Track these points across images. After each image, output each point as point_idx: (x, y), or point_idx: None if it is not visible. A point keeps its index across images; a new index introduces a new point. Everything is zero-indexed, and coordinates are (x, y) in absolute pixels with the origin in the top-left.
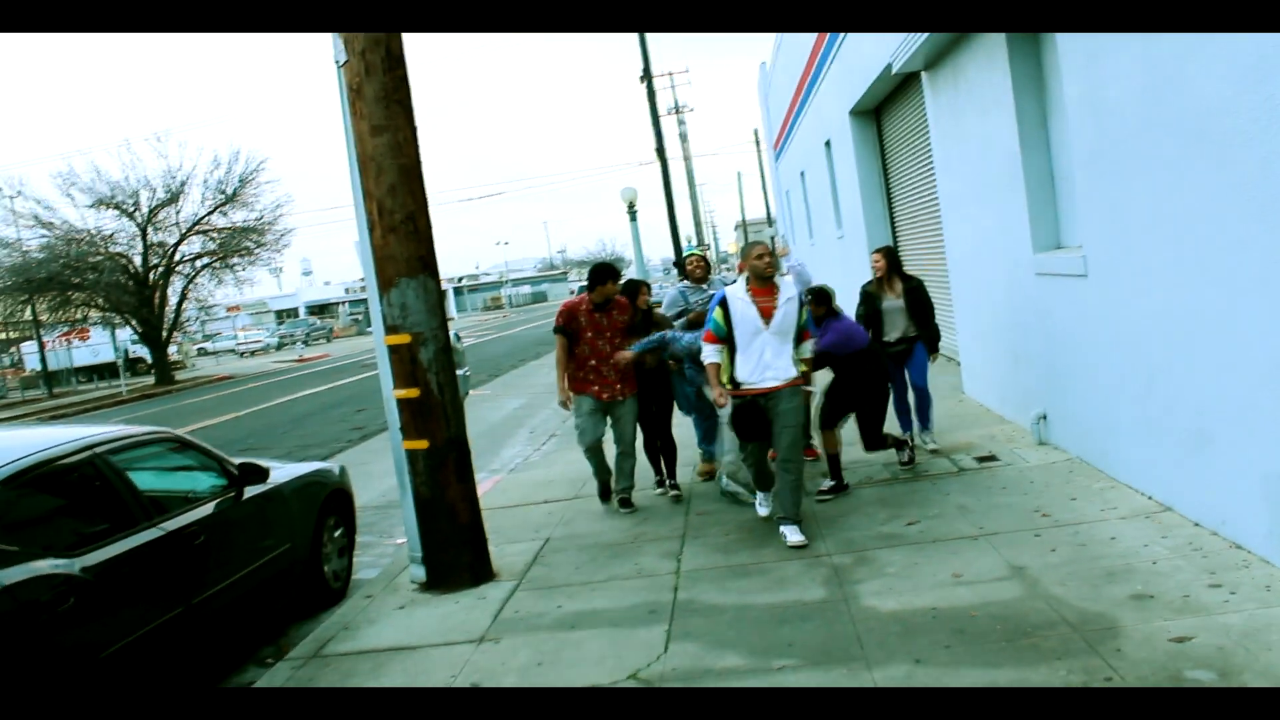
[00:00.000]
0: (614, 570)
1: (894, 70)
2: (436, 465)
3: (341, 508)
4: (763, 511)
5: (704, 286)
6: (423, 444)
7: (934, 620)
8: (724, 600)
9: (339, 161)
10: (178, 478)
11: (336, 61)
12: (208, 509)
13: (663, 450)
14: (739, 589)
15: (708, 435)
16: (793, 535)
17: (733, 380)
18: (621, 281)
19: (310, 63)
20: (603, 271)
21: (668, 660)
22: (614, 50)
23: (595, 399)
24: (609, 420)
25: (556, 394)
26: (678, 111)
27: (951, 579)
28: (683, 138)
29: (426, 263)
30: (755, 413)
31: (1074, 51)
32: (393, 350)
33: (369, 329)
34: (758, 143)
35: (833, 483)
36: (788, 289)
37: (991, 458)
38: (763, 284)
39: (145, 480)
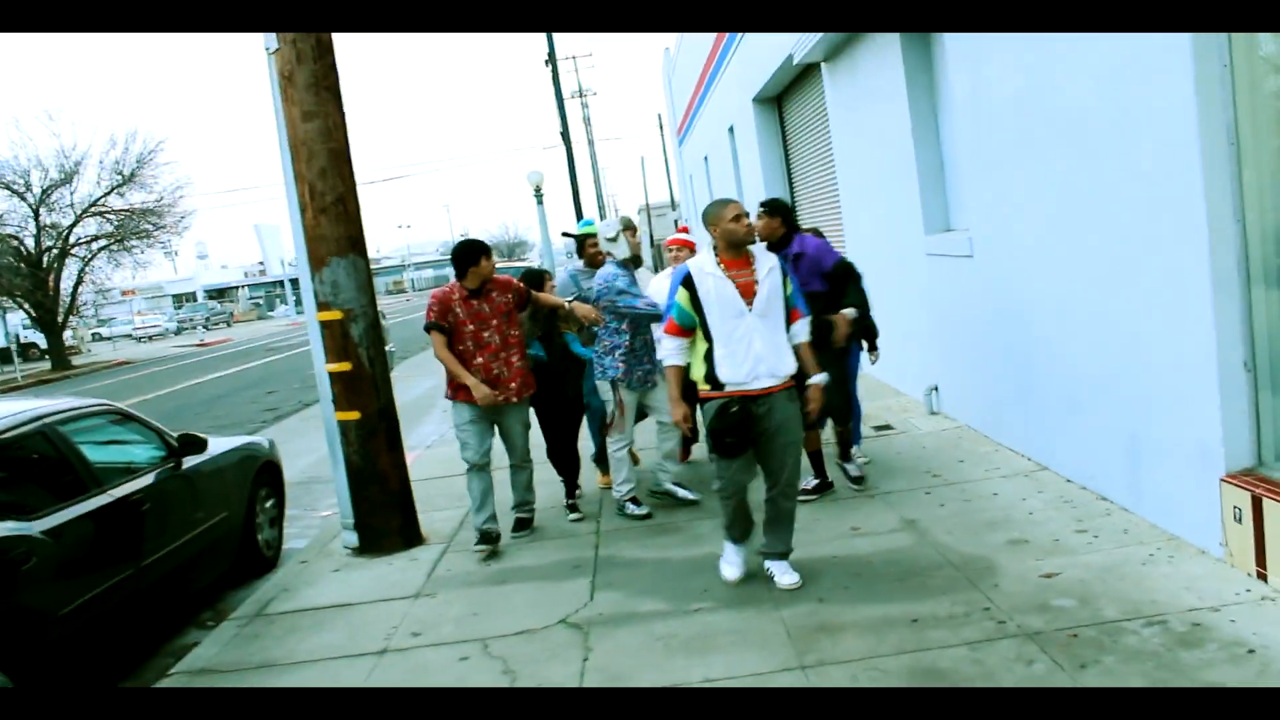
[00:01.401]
0: (537, 533)
1: (795, 61)
2: (367, 435)
3: (272, 480)
4: (732, 572)
5: (603, 272)
6: (354, 415)
7: (834, 566)
8: (643, 555)
9: (235, 144)
10: (122, 448)
11: (267, 49)
12: (150, 478)
13: (566, 463)
14: (657, 545)
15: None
16: (786, 576)
17: (711, 380)
18: (507, 265)
19: (208, 44)
20: (470, 250)
21: (594, 607)
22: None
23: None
24: (496, 430)
25: (468, 389)
26: (581, 95)
27: (850, 532)
28: (586, 121)
29: (356, 242)
30: (748, 418)
31: (959, 54)
32: (324, 326)
33: (270, 313)
34: (661, 127)
35: (817, 480)
36: (766, 257)
37: (887, 427)
38: (737, 254)
39: (92, 450)
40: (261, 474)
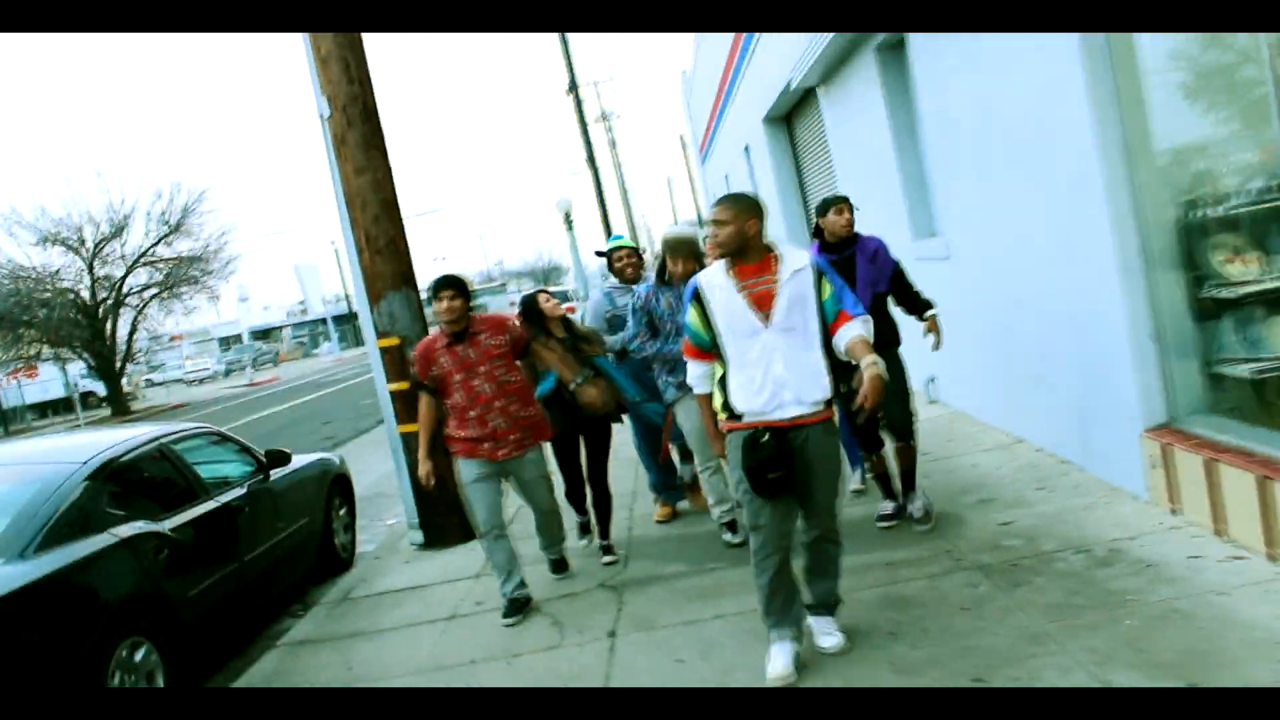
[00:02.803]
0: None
1: (793, 86)
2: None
3: (344, 491)
4: (776, 669)
5: (636, 288)
6: (414, 428)
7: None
8: (670, 533)
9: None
10: (220, 464)
11: (321, 115)
12: (245, 488)
13: (595, 503)
14: (682, 523)
15: (664, 476)
16: (829, 637)
17: (727, 409)
18: (511, 295)
19: (244, 92)
20: (434, 286)
21: (628, 572)
22: (539, 62)
23: (486, 460)
24: (509, 486)
25: (465, 441)
26: (605, 119)
27: (850, 498)
28: (612, 144)
29: (407, 278)
30: (777, 448)
31: (925, 76)
32: (384, 352)
33: (314, 351)
34: (684, 147)
35: (895, 504)
36: (792, 257)
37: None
38: (751, 261)
39: (198, 465)
40: (335, 485)
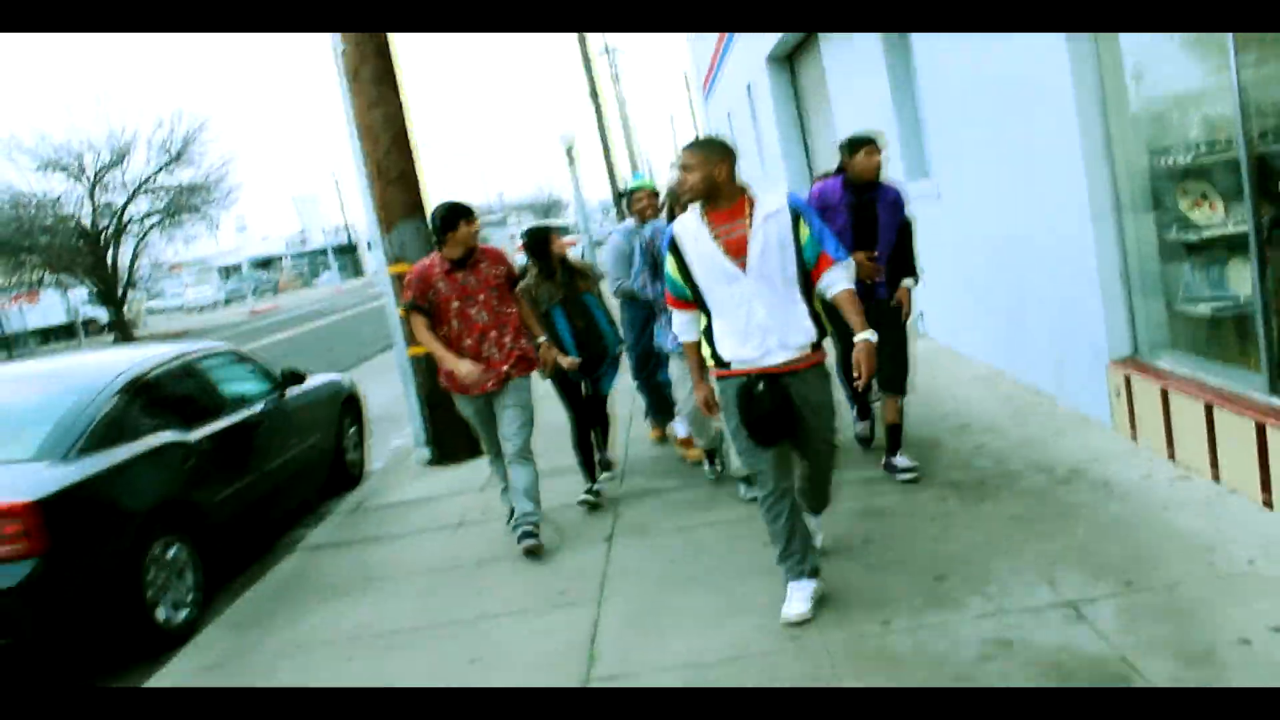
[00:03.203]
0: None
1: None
2: (434, 365)
3: (355, 411)
4: (794, 609)
5: (644, 228)
6: (423, 350)
7: None
8: (664, 452)
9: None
10: (240, 381)
11: (335, 49)
12: (263, 404)
13: (599, 420)
14: (669, 448)
15: (657, 401)
16: (799, 602)
17: (716, 358)
18: (523, 228)
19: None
20: (450, 213)
21: (624, 487)
22: None
23: (478, 394)
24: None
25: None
26: (609, 53)
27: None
28: (615, 79)
29: (418, 207)
30: (773, 397)
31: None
32: (395, 278)
33: (314, 282)
34: (688, 84)
35: (914, 462)
36: (766, 201)
37: None
38: (724, 205)
39: (220, 381)
40: (346, 405)
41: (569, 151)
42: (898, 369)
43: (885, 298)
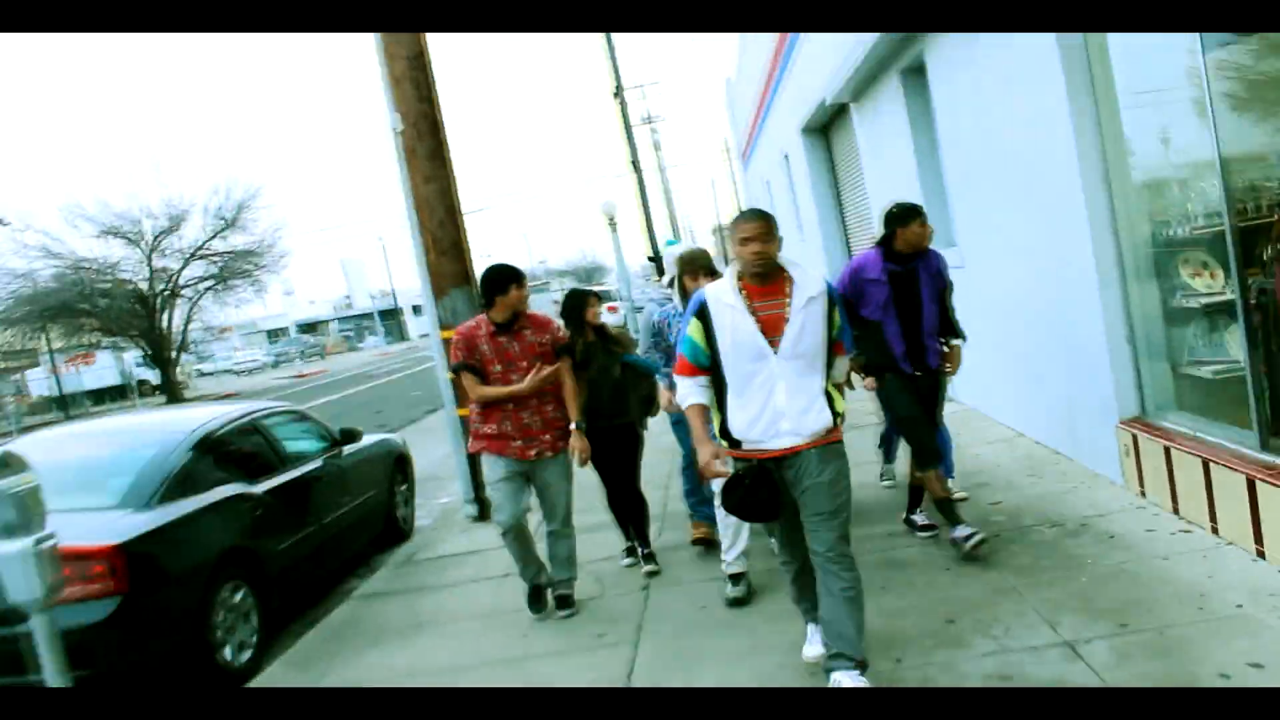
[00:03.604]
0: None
1: (827, 103)
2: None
3: (405, 469)
4: (812, 651)
5: (649, 306)
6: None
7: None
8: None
9: (318, 187)
10: (301, 438)
11: (394, 129)
12: (321, 461)
13: (630, 510)
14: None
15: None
16: (817, 645)
17: (724, 434)
18: (554, 293)
19: (295, 93)
20: (500, 276)
21: (659, 540)
22: (585, 65)
23: (515, 459)
24: (532, 488)
25: (497, 437)
26: (650, 122)
27: (857, 486)
28: (656, 146)
29: (468, 276)
30: (761, 489)
31: (941, 98)
32: (446, 343)
33: (359, 345)
34: (728, 151)
35: (973, 530)
36: (807, 282)
37: None
38: (762, 280)
39: (283, 438)
40: (397, 463)
41: (610, 220)
42: (932, 439)
43: (936, 367)
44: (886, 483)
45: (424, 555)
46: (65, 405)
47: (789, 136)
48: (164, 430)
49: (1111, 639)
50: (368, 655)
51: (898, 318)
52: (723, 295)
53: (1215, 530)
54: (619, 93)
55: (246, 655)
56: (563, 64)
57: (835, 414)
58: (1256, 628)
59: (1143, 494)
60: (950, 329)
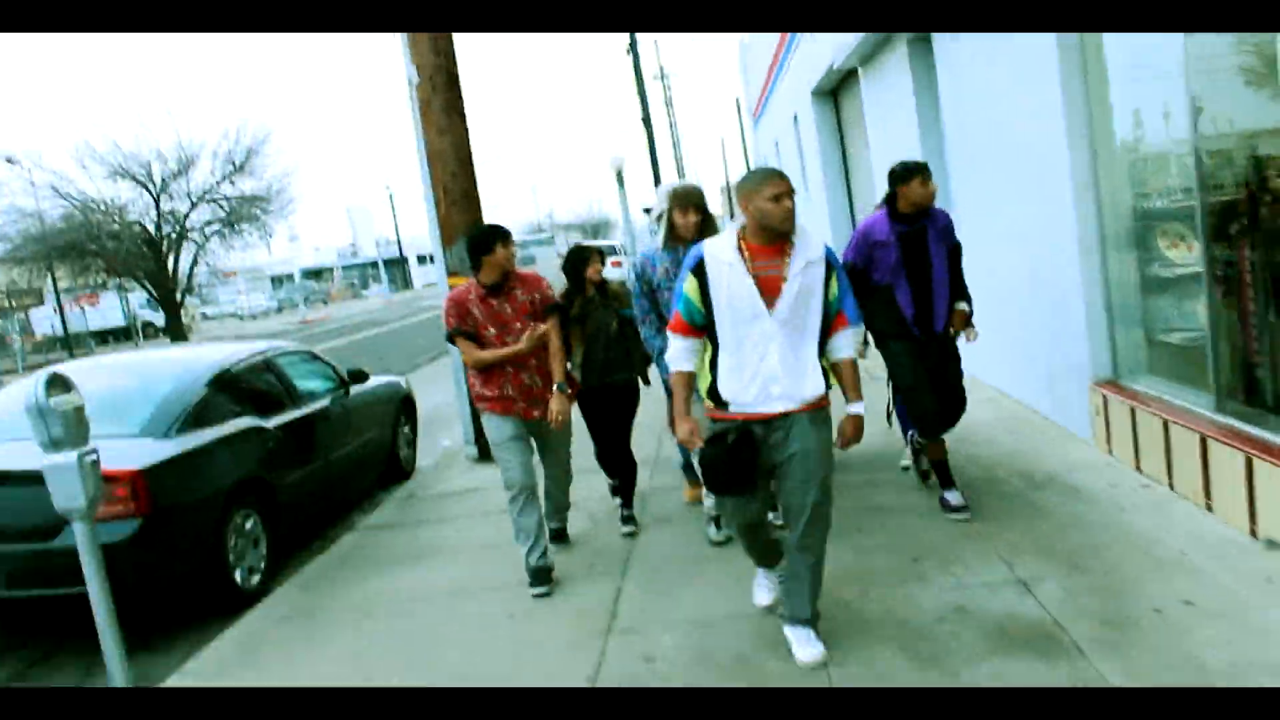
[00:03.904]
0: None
1: (835, 67)
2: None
3: (409, 411)
4: (763, 597)
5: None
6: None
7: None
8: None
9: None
10: (311, 377)
11: (410, 82)
12: (330, 399)
13: (619, 470)
14: None
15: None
16: (807, 647)
17: (714, 395)
18: (561, 250)
19: (307, 45)
20: (485, 237)
21: (652, 482)
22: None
23: (522, 419)
24: (535, 446)
25: (500, 399)
26: (663, 78)
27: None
28: (668, 103)
29: (478, 224)
30: (744, 450)
31: (945, 68)
32: (453, 288)
33: (364, 292)
34: (739, 111)
35: (965, 504)
36: (807, 246)
37: None
38: (769, 239)
39: (295, 376)
40: (403, 405)
41: (619, 174)
42: (955, 407)
43: (943, 330)
44: (904, 464)
45: (426, 492)
46: (69, 345)
47: (799, 98)
48: (183, 365)
49: (1061, 579)
50: (374, 579)
51: (908, 280)
52: (722, 253)
53: (1172, 486)
54: (633, 47)
55: (256, 579)
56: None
57: (828, 384)
58: (1194, 571)
59: (1110, 452)
60: (959, 293)
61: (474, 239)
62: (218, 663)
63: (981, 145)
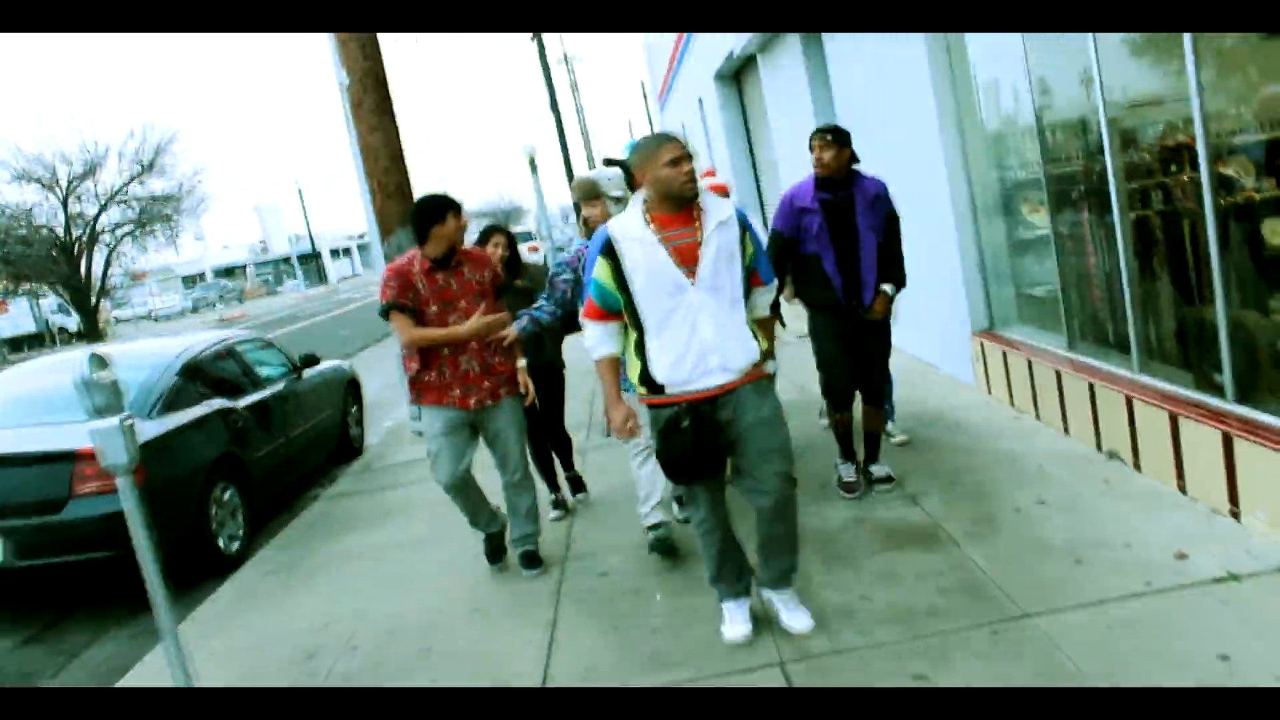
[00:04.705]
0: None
1: (734, 54)
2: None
3: (355, 392)
4: (736, 630)
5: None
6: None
7: None
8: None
9: (227, 134)
10: (269, 363)
11: (341, 84)
12: (285, 383)
13: (555, 445)
14: None
15: None
16: (795, 614)
17: (646, 381)
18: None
19: (204, 46)
20: (435, 205)
21: (590, 458)
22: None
23: (458, 409)
24: (479, 439)
25: (436, 389)
26: (567, 63)
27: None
28: (574, 87)
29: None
30: (704, 432)
31: (834, 55)
32: None
33: (278, 289)
34: (645, 95)
35: (854, 466)
36: (717, 208)
37: (805, 336)
38: (675, 207)
39: (255, 362)
40: (349, 386)
41: (531, 161)
42: (882, 376)
43: (870, 304)
44: (898, 439)
45: (381, 463)
46: None
47: (703, 82)
48: (154, 355)
49: (941, 491)
50: (346, 537)
51: (833, 247)
52: (629, 229)
53: (1038, 416)
54: (538, 35)
55: (236, 545)
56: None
57: (759, 345)
58: (1048, 479)
59: (989, 392)
60: (888, 270)
61: (424, 207)
62: (221, 609)
63: (868, 127)
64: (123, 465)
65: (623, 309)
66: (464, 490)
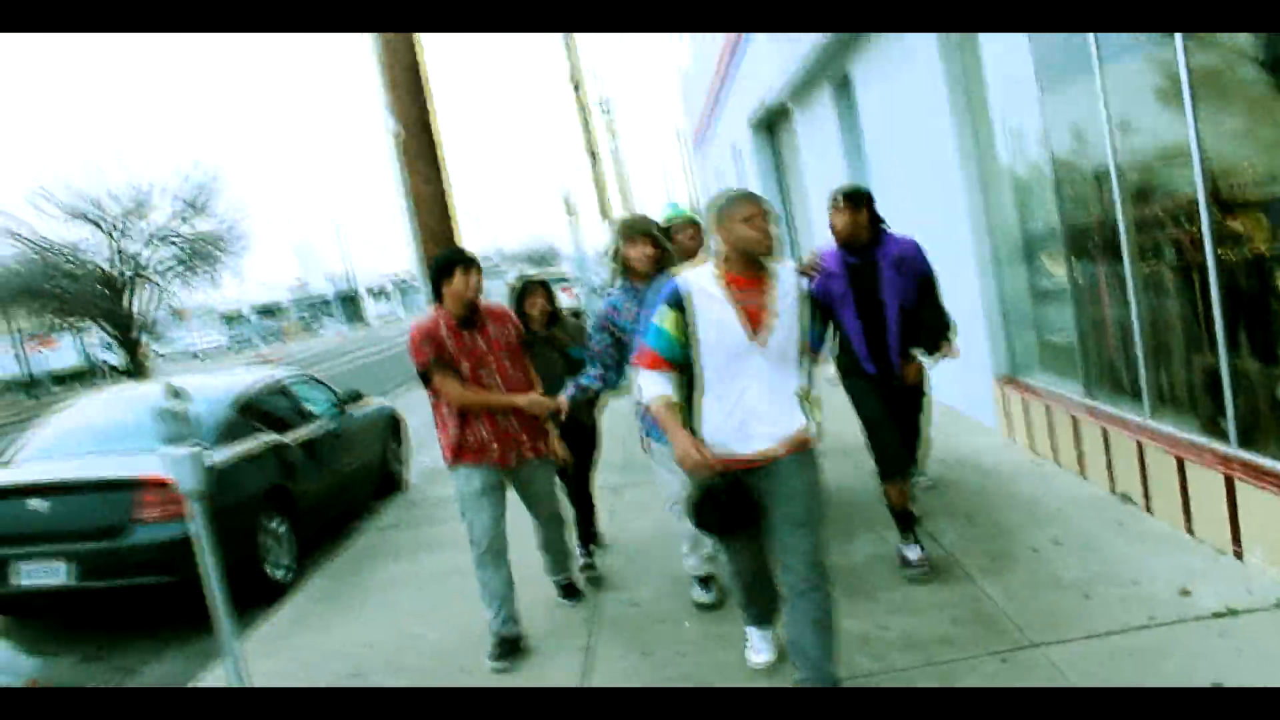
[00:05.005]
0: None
1: (767, 103)
2: None
3: (397, 430)
4: (760, 657)
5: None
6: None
7: None
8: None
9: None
10: (317, 399)
11: (394, 134)
12: (333, 420)
13: (578, 507)
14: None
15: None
16: (763, 652)
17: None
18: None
19: (251, 82)
20: (444, 261)
21: (623, 499)
22: (543, 51)
23: (493, 468)
24: (513, 496)
25: (473, 449)
26: (606, 111)
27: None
28: (612, 133)
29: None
30: (736, 495)
31: (864, 106)
32: None
33: (319, 329)
34: (680, 140)
35: (922, 550)
36: (788, 276)
37: None
38: (747, 267)
39: (304, 398)
40: (392, 424)
41: (567, 204)
42: (910, 448)
43: (899, 371)
44: (924, 484)
45: (424, 499)
46: (30, 388)
47: (739, 130)
48: (211, 390)
49: (960, 529)
50: (390, 567)
51: (858, 315)
52: (704, 284)
53: (1057, 460)
54: (577, 86)
55: (282, 574)
56: (520, 48)
57: (811, 417)
58: (1065, 520)
59: (1011, 436)
60: (922, 334)
61: (434, 265)
62: (268, 633)
63: (896, 179)
64: (193, 490)
65: (682, 362)
66: (500, 557)
